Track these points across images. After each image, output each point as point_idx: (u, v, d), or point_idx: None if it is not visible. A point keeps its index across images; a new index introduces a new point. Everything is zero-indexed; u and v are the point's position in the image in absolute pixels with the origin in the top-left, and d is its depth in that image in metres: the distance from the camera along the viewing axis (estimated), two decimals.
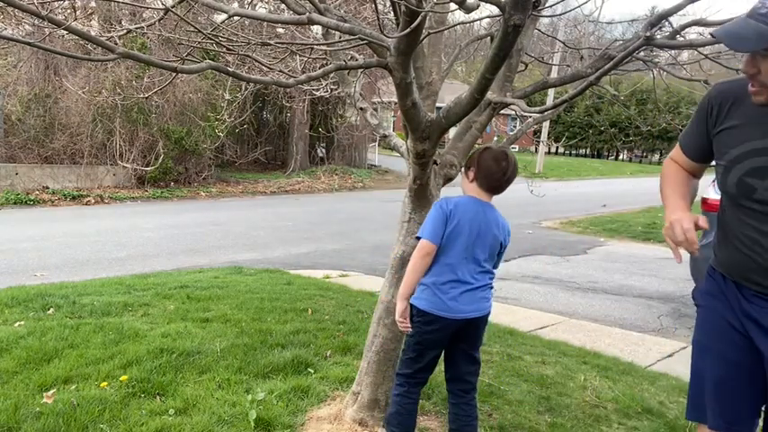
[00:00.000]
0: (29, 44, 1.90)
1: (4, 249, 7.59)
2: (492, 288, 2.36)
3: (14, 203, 12.26)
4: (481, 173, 2.29)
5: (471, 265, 2.26)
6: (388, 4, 2.45)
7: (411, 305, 2.32)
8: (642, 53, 2.71)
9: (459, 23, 2.52)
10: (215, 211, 12.60)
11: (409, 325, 2.32)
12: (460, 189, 2.45)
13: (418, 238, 2.29)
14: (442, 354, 2.43)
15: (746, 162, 1.59)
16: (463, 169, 2.41)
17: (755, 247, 1.61)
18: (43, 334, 3.80)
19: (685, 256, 1.76)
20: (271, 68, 2.93)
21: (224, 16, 2.20)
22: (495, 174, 2.26)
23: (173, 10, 1.91)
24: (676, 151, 1.87)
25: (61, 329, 3.90)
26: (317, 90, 4.31)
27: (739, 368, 1.69)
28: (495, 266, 2.37)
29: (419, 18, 1.78)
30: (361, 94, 3.13)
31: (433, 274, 2.27)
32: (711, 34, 1.52)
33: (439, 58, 2.92)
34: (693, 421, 1.83)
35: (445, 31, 3.34)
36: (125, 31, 2.44)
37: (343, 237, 9.74)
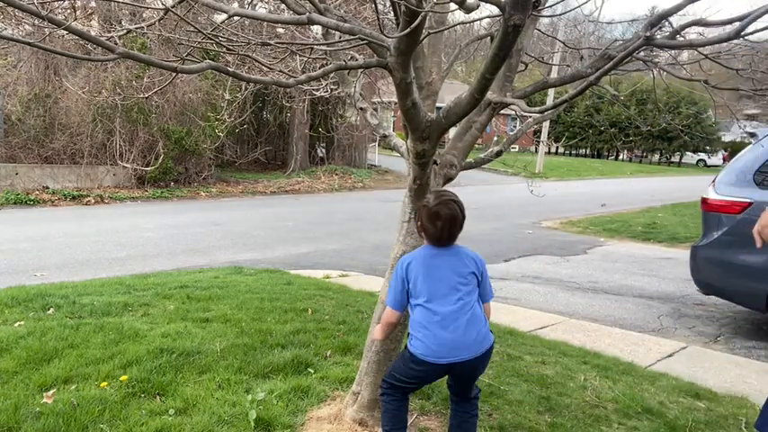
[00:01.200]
0: (29, 44, 1.90)
1: (4, 249, 7.59)
2: (483, 325, 2.27)
3: (14, 203, 12.27)
4: (424, 232, 2.32)
5: (450, 309, 2.22)
6: (388, 4, 2.45)
7: (409, 335, 2.32)
8: (642, 53, 2.71)
9: (459, 23, 2.52)
10: (215, 211, 12.60)
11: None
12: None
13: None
14: None
15: None
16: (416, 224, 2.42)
17: None
18: (43, 334, 3.80)
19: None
20: (271, 68, 2.93)
21: (224, 16, 2.20)
22: (434, 233, 2.28)
23: (173, 10, 1.91)
24: None
25: (61, 329, 3.90)
26: (317, 90, 4.31)
27: None
28: (486, 299, 2.34)
29: (419, 18, 1.78)
30: (361, 94, 3.13)
31: (420, 322, 2.25)
32: None
33: (439, 58, 2.92)
34: (759, 431, 1.87)
35: (445, 31, 3.34)
36: (125, 31, 2.43)
37: (343, 237, 9.74)
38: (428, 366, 2.23)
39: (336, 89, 4.10)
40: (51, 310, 4.46)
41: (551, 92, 20.80)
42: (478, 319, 2.25)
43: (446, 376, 2.42)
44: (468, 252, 2.34)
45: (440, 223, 2.24)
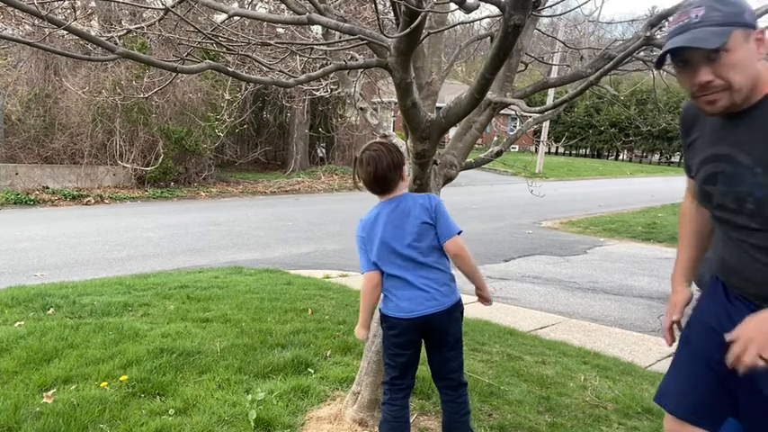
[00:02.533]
0: (29, 44, 1.90)
1: (4, 249, 7.59)
2: (445, 278, 2.27)
3: (14, 203, 12.27)
4: (361, 182, 2.30)
5: (409, 265, 2.23)
6: (388, 4, 2.45)
7: (379, 311, 2.33)
8: (642, 53, 2.71)
9: (459, 23, 2.52)
10: (215, 211, 12.60)
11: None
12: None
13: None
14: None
15: (702, 171, 1.67)
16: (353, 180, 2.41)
17: (725, 250, 1.69)
18: (43, 334, 3.80)
19: None
20: (271, 68, 2.93)
21: (224, 16, 2.20)
22: (365, 179, 2.26)
23: (173, 10, 1.92)
24: (686, 177, 1.90)
25: (61, 329, 3.90)
26: (317, 90, 4.31)
27: (711, 365, 1.71)
28: (447, 236, 2.25)
29: (419, 18, 1.78)
30: (361, 94, 3.13)
31: (387, 284, 2.28)
32: (661, 53, 1.55)
33: (439, 58, 2.92)
34: (657, 404, 1.89)
35: (445, 31, 3.34)
36: (125, 31, 2.44)
37: (343, 237, 9.74)
38: (401, 324, 2.24)
39: (336, 89, 4.10)
40: (51, 310, 4.46)
41: (551, 92, 20.81)
42: (440, 279, 2.25)
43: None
44: (418, 198, 2.29)
45: (366, 167, 2.23)
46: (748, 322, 1.50)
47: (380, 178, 2.24)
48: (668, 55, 1.53)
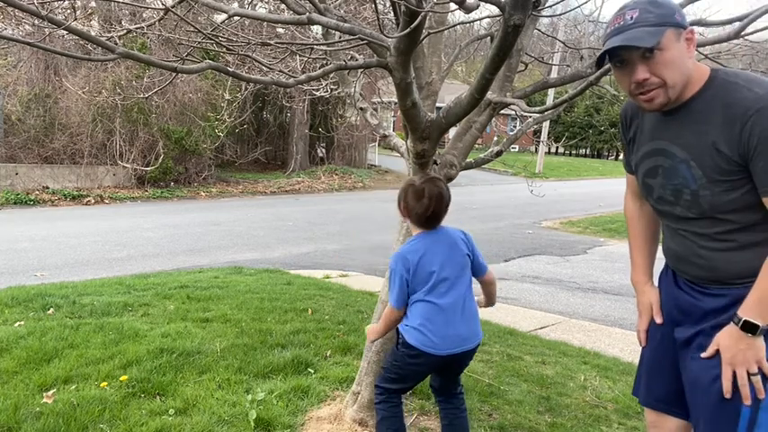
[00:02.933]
0: (29, 44, 1.90)
1: (4, 249, 7.59)
2: (477, 314, 2.32)
3: (14, 203, 12.27)
4: (409, 212, 2.28)
5: (447, 292, 2.23)
6: (388, 4, 2.45)
7: (399, 332, 2.30)
8: None
9: (459, 23, 2.52)
10: (215, 211, 12.60)
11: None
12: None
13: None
14: None
15: (642, 166, 1.75)
16: (398, 207, 2.38)
17: (670, 240, 1.76)
18: (43, 334, 3.80)
19: None
20: (271, 68, 2.93)
21: (224, 16, 2.20)
22: (419, 212, 2.23)
23: (173, 10, 1.92)
24: (627, 176, 1.96)
25: (61, 329, 3.90)
26: (317, 90, 4.31)
27: (669, 351, 1.78)
28: (483, 271, 2.39)
29: (419, 18, 1.78)
30: (361, 94, 3.13)
31: (419, 315, 2.23)
32: (600, 54, 1.61)
33: (439, 58, 2.92)
34: (635, 396, 1.96)
35: (445, 31, 3.34)
36: (125, 31, 2.44)
37: (343, 237, 9.74)
38: (427, 358, 2.23)
39: (336, 89, 4.10)
40: (51, 310, 4.46)
41: (551, 92, 20.81)
42: (473, 314, 2.30)
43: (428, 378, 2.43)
44: (456, 232, 2.33)
45: (426, 201, 2.20)
46: (720, 343, 1.57)
47: (436, 216, 2.24)
48: (606, 56, 1.60)
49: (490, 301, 2.51)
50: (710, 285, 1.65)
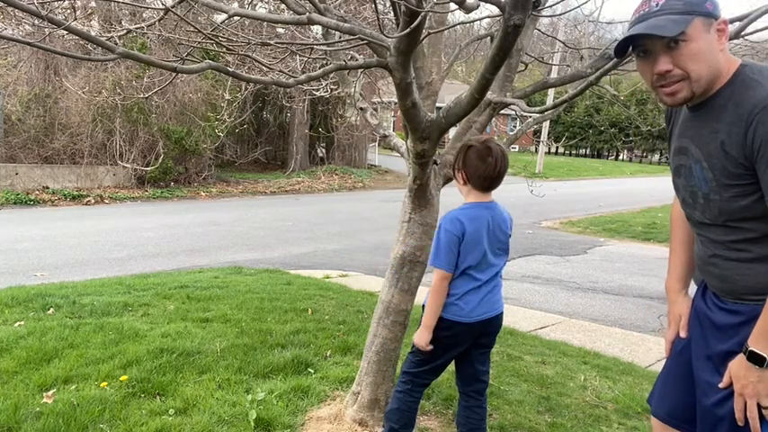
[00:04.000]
0: (29, 44, 1.90)
1: (4, 249, 7.59)
2: (501, 283, 2.38)
3: (14, 203, 12.26)
4: (471, 174, 2.24)
5: (488, 269, 2.27)
6: (388, 4, 2.45)
7: (425, 306, 2.31)
8: None
9: (459, 23, 2.52)
10: (215, 211, 12.60)
11: (431, 347, 2.28)
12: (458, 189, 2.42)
13: (433, 266, 2.27)
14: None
15: (672, 163, 1.67)
16: (453, 171, 2.36)
17: (696, 246, 1.67)
18: (43, 334, 3.80)
19: None
20: (271, 68, 2.93)
21: (224, 16, 2.20)
22: (485, 172, 2.21)
23: (173, 10, 1.92)
24: None
25: (61, 329, 3.90)
26: (317, 90, 4.31)
27: (685, 364, 1.69)
28: (507, 253, 2.39)
29: (419, 18, 1.78)
30: (361, 94, 3.13)
31: (457, 287, 2.24)
32: (622, 41, 1.51)
33: (439, 58, 2.92)
34: (649, 404, 1.88)
35: (445, 31, 3.34)
36: (125, 31, 2.44)
37: (343, 237, 9.74)
38: (459, 328, 2.24)
39: (336, 89, 4.10)
40: (51, 310, 4.46)
41: (551, 92, 20.79)
42: (500, 288, 2.36)
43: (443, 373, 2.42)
44: (506, 212, 2.35)
45: (492, 160, 2.17)
46: (732, 371, 1.49)
47: (499, 176, 2.22)
48: (630, 45, 1.51)
49: None
50: (726, 298, 1.55)
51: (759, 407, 1.43)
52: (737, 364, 1.46)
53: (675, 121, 1.66)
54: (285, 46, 2.97)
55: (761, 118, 1.35)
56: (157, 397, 3.01)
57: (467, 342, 2.32)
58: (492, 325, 2.33)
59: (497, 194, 2.39)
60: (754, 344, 1.42)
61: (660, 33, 1.40)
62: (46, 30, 2.65)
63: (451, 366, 2.47)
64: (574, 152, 46.83)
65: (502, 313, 2.36)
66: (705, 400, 1.56)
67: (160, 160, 14.49)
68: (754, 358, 1.42)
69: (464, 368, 2.43)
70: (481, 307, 2.25)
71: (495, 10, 1.82)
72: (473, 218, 2.24)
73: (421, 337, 2.27)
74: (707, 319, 1.61)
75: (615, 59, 2.35)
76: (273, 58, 3.78)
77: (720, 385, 1.52)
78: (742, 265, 1.49)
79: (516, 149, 35.99)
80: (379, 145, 24.43)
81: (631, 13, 1.53)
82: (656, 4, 1.44)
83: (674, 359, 1.78)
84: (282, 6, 2.80)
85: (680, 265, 1.81)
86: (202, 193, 15.39)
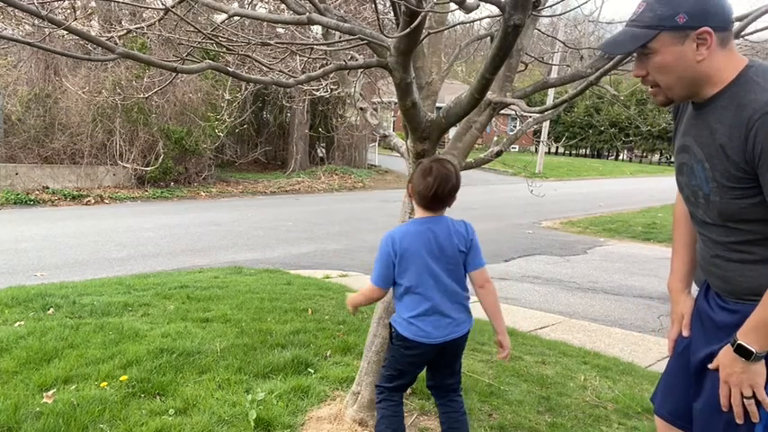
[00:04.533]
0: (29, 44, 1.90)
1: (4, 249, 7.59)
2: (467, 304, 2.29)
3: (14, 203, 12.26)
4: (414, 189, 2.22)
5: (441, 288, 2.20)
6: (388, 4, 2.45)
7: (392, 326, 2.30)
8: None
9: (459, 23, 2.52)
10: (215, 211, 12.60)
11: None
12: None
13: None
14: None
15: (675, 161, 1.67)
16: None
17: (699, 245, 1.68)
18: (43, 334, 3.80)
19: None
20: (271, 68, 2.93)
21: (224, 16, 2.20)
22: (423, 191, 2.15)
23: (173, 10, 1.92)
24: None
25: (61, 329, 3.90)
26: (317, 90, 4.31)
27: (686, 363, 1.70)
28: (476, 266, 2.24)
29: (419, 18, 1.78)
30: (361, 94, 3.13)
31: (409, 307, 2.22)
32: (599, 48, 1.60)
33: (439, 58, 2.92)
34: (652, 402, 1.88)
35: (445, 31, 3.34)
36: (125, 31, 2.44)
37: (343, 237, 9.74)
38: (422, 348, 2.22)
39: (336, 89, 4.10)
40: (51, 310, 4.46)
41: (551, 92, 20.80)
42: (462, 304, 2.26)
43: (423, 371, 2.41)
44: (456, 224, 2.23)
45: (431, 180, 2.13)
46: (719, 359, 1.52)
47: (440, 198, 2.17)
48: None
49: (493, 321, 2.32)
50: (728, 298, 1.56)
51: (742, 396, 1.47)
52: (725, 354, 1.50)
53: (681, 117, 1.67)
54: (285, 46, 2.97)
55: (760, 125, 1.35)
56: (157, 397, 3.01)
57: (430, 358, 2.30)
58: (455, 346, 2.27)
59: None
60: (742, 337, 1.45)
61: (613, 52, 1.50)
62: (46, 30, 2.66)
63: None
64: (574, 152, 46.83)
65: (465, 335, 2.27)
66: (712, 398, 1.56)
67: (160, 160, 14.49)
68: (741, 351, 1.45)
69: (431, 378, 2.41)
70: (439, 330, 2.20)
71: (495, 10, 1.82)
72: (408, 234, 2.21)
73: (350, 299, 2.40)
74: (708, 319, 1.62)
75: (615, 59, 2.35)
76: (273, 58, 3.78)
77: (710, 366, 1.55)
78: (744, 267, 1.49)
79: (516, 149, 36.00)
80: (379, 145, 24.43)
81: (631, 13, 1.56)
82: (635, 13, 1.49)
83: (676, 359, 1.78)
84: (282, 6, 2.80)
85: (682, 265, 1.81)
86: (202, 193, 15.39)
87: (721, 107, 1.46)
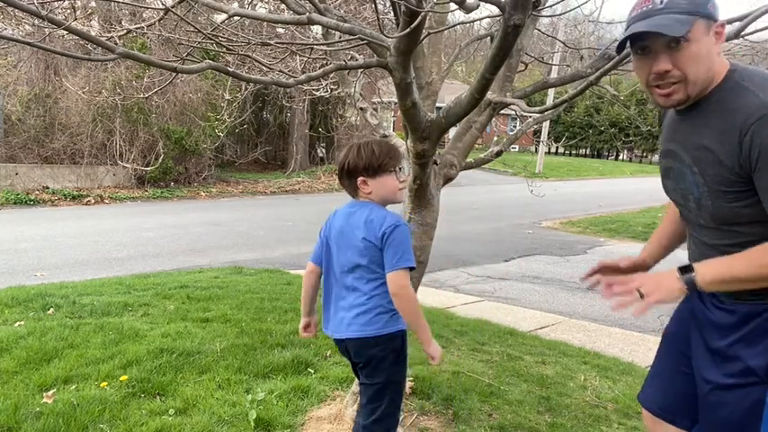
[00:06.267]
0: (29, 44, 1.90)
1: (4, 249, 7.59)
2: (360, 308, 1.96)
3: (14, 203, 12.26)
4: None
5: (337, 281, 2.04)
6: (388, 4, 2.45)
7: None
8: None
9: (459, 23, 2.52)
10: (215, 211, 12.60)
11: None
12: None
13: None
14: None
15: (660, 165, 1.67)
16: None
17: (690, 245, 1.69)
18: (43, 334, 3.80)
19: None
20: (271, 68, 2.93)
21: (224, 16, 2.20)
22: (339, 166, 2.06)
23: (173, 10, 1.92)
24: None
25: (61, 329, 3.90)
26: (317, 90, 4.31)
27: (682, 360, 1.71)
28: (397, 265, 1.89)
29: (419, 18, 1.78)
30: (361, 94, 3.13)
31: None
32: (623, 38, 1.47)
33: (439, 58, 2.92)
34: (638, 400, 1.90)
35: (445, 31, 3.34)
36: (125, 31, 2.44)
37: None
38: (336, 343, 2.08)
39: (336, 89, 4.10)
40: (51, 310, 4.46)
41: (551, 92, 20.79)
42: (349, 306, 1.99)
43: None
44: (371, 214, 2.00)
45: (341, 155, 2.08)
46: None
47: (343, 171, 2.08)
48: (628, 42, 1.47)
49: (415, 330, 1.96)
50: (724, 298, 1.55)
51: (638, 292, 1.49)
52: (668, 271, 1.51)
53: (665, 121, 1.66)
54: (285, 46, 2.97)
55: (756, 129, 1.33)
56: (157, 397, 3.01)
57: (344, 354, 2.10)
58: (346, 348, 2.02)
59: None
60: (699, 266, 1.48)
61: (667, 32, 1.37)
62: (46, 30, 2.66)
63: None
64: (574, 152, 46.82)
65: (353, 341, 1.96)
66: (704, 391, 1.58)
67: (160, 160, 14.49)
68: (685, 268, 1.48)
69: None
70: (333, 324, 2.05)
71: (495, 10, 1.82)
72: (333, 216, 2.18)
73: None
74: (706, 319, 1.62)
75: (615, 59, 2.35)
76: (273, 58, 3.78)
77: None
78: None
79: (516, 149, 35.99)
80: None
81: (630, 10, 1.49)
82: (661, 2, 1.40)
83: (661, 354, 1.81)
84: (282, 6, 2.80)
85: (651, 245, 1.93)
86: (202, 193, 15.39)
87: (709, 111, 1.44)
